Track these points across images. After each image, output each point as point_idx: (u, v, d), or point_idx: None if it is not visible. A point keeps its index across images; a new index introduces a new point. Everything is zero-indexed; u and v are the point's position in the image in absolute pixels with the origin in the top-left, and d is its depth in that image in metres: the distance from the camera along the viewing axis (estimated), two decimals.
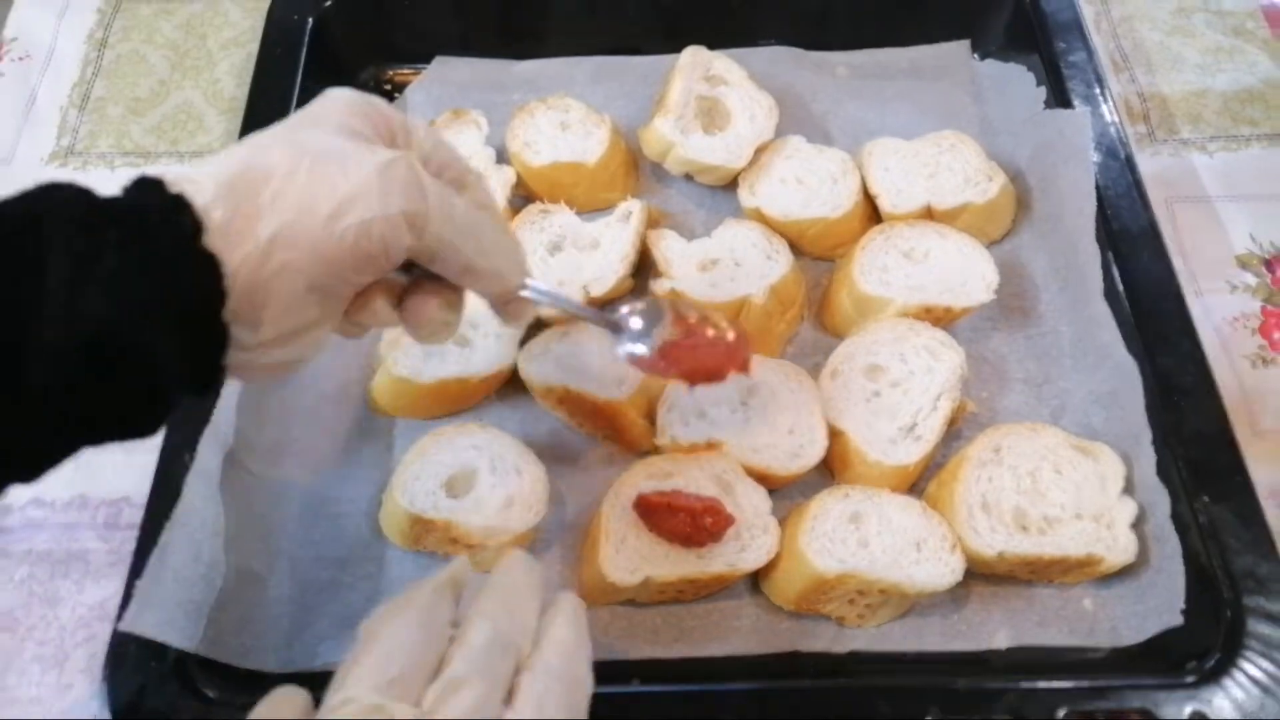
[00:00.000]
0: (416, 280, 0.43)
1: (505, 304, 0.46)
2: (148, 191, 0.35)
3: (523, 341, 0.63)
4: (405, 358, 0.62)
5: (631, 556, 0.54)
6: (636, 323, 0.53)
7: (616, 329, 0.52)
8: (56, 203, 0.34)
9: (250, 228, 0.35)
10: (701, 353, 0.53)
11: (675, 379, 0.54)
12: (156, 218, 0.34)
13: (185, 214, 0.34)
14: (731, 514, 0.54)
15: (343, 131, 0.39)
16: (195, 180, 0.36)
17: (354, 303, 0.41)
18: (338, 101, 0.40)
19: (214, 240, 0.35)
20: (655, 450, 0.61)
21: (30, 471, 0.34)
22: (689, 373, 0.53)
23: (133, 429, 0.35)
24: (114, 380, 0.33)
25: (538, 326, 0.64)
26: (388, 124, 0.41)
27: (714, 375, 0.53)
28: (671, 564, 0.53)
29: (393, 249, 0.38)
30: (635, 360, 0.52)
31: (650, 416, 0.61)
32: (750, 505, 0.56)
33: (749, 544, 0.55)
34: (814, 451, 0.58)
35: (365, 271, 0.38)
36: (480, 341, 0.63)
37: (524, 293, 0.45)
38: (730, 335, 0.54)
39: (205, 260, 0.34)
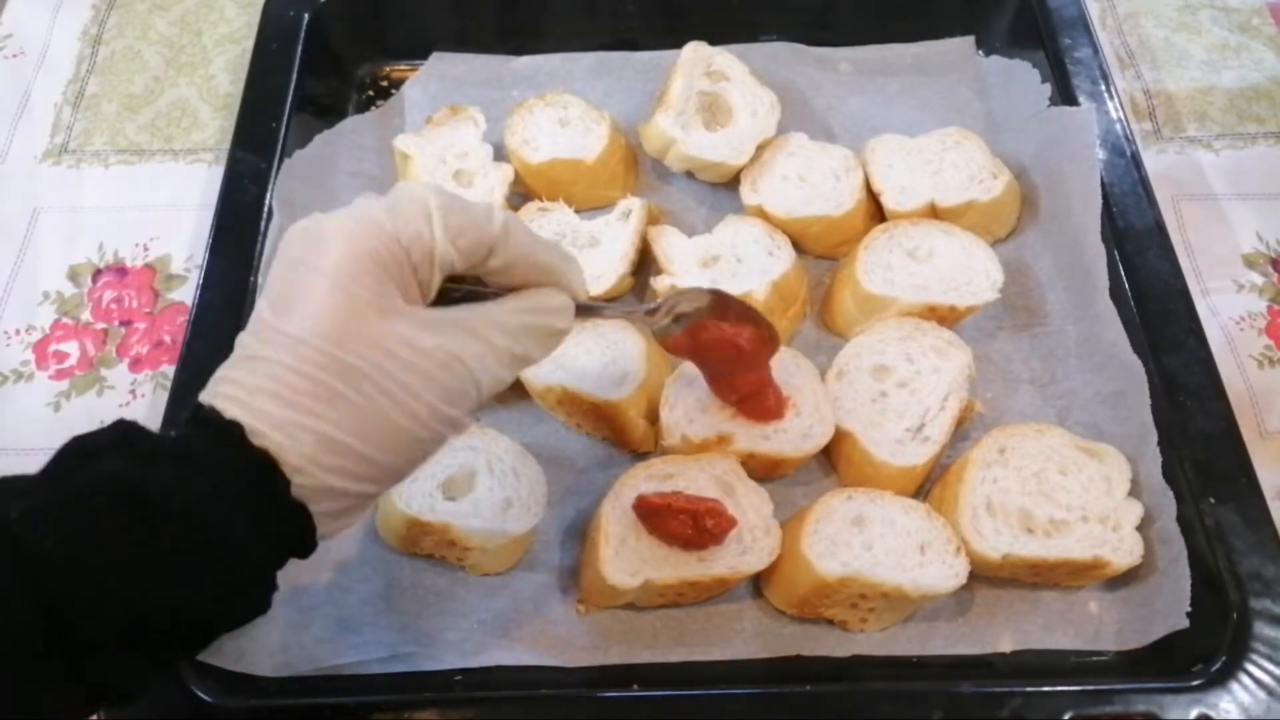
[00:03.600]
0: None
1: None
2: (232, 447, 0.36)
3: None
4: None
5: (631, 559, 0.53)
6: (673, 306, 0.52)
7: (652, 312, 0.52)
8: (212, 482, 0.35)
9: (336, 482, 0.37)
10: (728, 340, 0.52)
11: (702, 363, 0.54)
12: (255, 484, 0.36)
13: (279, 476, 0.36)
14: (733, 516, 0.53)
15: (377, 317, 0.38)
16: (274, 436, 0.36)
17: None
18: (344, 271, 0.37)
19: (303, 494, 0.37)
20: (655, 451, 0.61)
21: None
22: (712, 358, 0.53)
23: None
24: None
25: None
26: (400, 258, 0.38)
27: (739, 364, 0.53)
28: (672, 566, 0.53)
29: (455, 434, 0.41)
30: (665, 339, 0.52)
31: (650, 417, 0.60)
32: (752, 507, 0.55)
33: (750, 546, 0.54)
34: (823, 430, 0.58)
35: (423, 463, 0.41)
36: None
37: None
38: (761, 329, 0.54)
39: (298, 511, 0.37)
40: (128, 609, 0.33)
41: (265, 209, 0.67)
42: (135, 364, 0.68)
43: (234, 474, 0.36)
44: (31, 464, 0.35)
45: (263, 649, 0.53)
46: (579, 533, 0.58)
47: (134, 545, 0.33)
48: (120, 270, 0.73)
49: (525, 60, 0.79)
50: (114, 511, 0.33)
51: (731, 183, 0.70)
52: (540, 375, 0.60)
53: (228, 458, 0.36)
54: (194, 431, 0.37)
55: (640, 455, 0.61)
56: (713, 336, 0.52)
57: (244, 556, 0.36)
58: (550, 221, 0.68)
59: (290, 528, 0.37)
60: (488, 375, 0.40)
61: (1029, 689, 0.50)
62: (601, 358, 0.61)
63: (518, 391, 0.63)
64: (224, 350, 0.39)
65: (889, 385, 0.60)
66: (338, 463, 0.37)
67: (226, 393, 0.37)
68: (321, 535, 0.39)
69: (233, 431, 0.36)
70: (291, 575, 0.55)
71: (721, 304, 0.53)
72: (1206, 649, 0.51)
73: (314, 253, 0.37)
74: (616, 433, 0.61)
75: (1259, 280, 0.70)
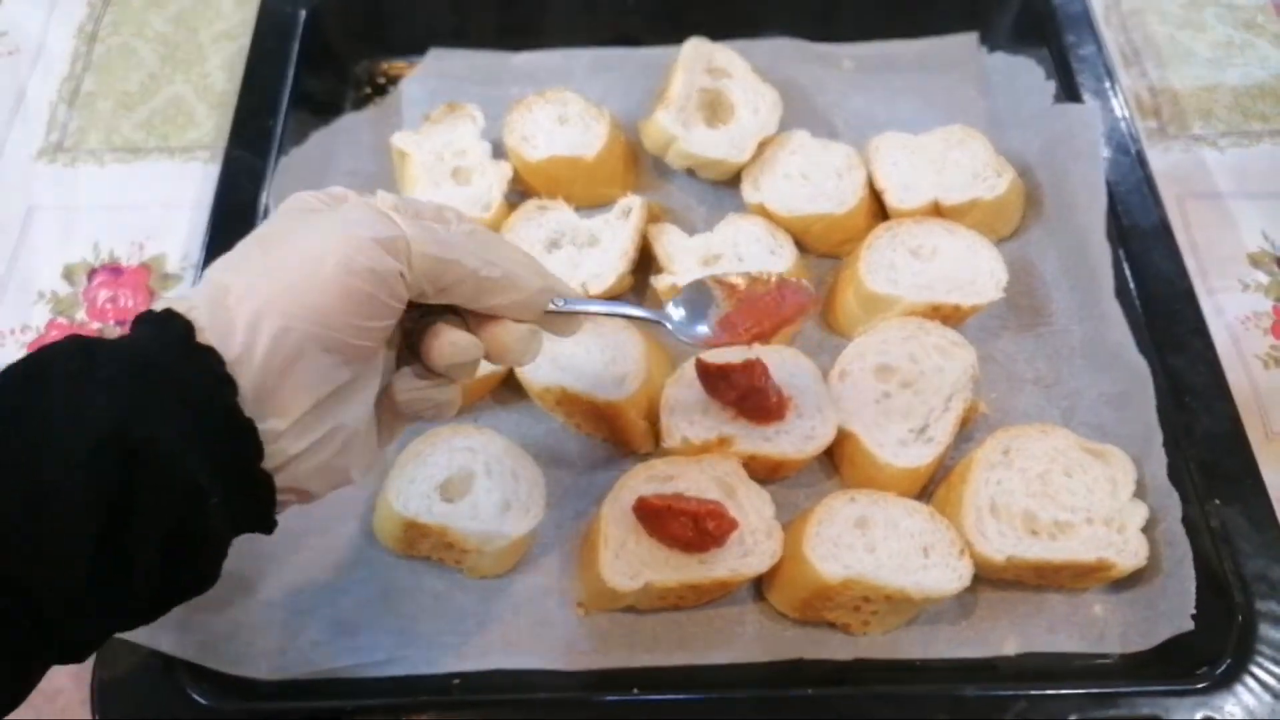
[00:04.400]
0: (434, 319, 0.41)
1: (546, 323, 0.44)
2: (186, 351, 0.35)
3: None
4: None
5: (632, 561, 0.53)
6: (684, 310, 0.52)
7: (670, 321, 0.52)
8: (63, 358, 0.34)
9: (235, 314, 0.35)
10: (761, 311, 0.53)
11: (751, 342, 0.54)
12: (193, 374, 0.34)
13: (178, 320, 0.35)
14: (734, 518, 0.53)
15: (301, 212, 0.39)
16: (181, 299, 0.36)
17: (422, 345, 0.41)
18: (289, 207, 0.40)
19: (207, 337, 0.35)
20: (656, 452, 0.60)
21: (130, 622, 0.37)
22: (759, 333, 0.53)
23: (202, 583, 0.37)
24: (186, 551, 0.35)
25: None
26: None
27: (782, 325, 0.53)
28: (673, 569, 0.52)
29: (387, 280, 0.37)
30: (704, 342, 0.52)
31: (651, 418, 0.60)
32: (753, 509, 0.55)
33: (752, 549, 0.53)
34: (825, 431, 0.57)
35: (371, 314, 0.37)
36: None
37: (555, 306, 0.44)
38: (775, 283, 0.53)
39: (204, 354, 0.34)
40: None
41: (261, 207, 0.67)
42: None
43: (174, 363, 0.34)
44: None
45: (260, 652, 0.53)
46: (578, 535, 0.58)
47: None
48: (115, 269, 0.72)
49: (524, 57, 0.78)
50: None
51: (733, 181, 0.70)
52: (540, 375, 0.60)
53: (172, 353, 0.34)
54: (140, 331, 0.35)
55: (641, 456, 0.61)
56: (744, 317, 0.53)
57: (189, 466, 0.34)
58: (549, 220, 0.67)
59: (240, 444, 0.35)
60: (418, 232, 0.39)
61: (1033, 692, 0.50)
62: (601, 358, 0.60)
63: (517, 392, 0.63)
64: None
65: (892, 385, 0.59)
66: (234, 298, 0.35)
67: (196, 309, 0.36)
68: (270, 431, 0.36)
69: (178, 328, 0.35)
70: (288, 578, 0.56)
71: (725, 285, 0.53)
72: (1212, 651, 0.51)
73: (329, 219, 0.38)
74: (616, 433, 0.60)
75: (1265, 279, 0.70)
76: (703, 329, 0.52)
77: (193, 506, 0.34)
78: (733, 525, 0.53)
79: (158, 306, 0.36)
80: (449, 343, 0.41)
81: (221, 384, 0.34)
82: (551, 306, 0.44)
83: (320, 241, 0.36)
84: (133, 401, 0.33)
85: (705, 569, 0.52)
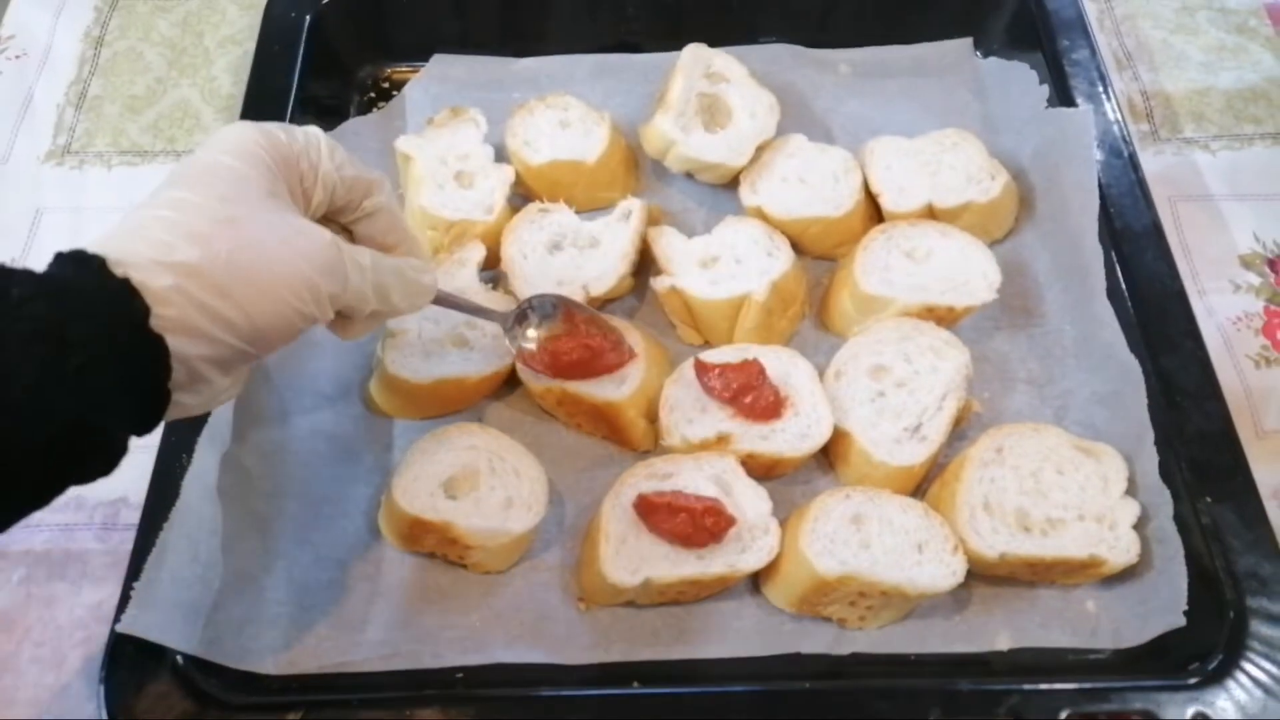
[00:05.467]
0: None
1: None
2: (93, 274, 0.36)
3: None
4: (403, 358, 0.61)
5: (632, 557, 0.53)
6: (531, 318, 0.59)
7: (505, 323, 0.58)
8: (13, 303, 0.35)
9: (200, 324, 0.38)
10: (579, 352, 0.58)
11: (554, 377, 0.59)
12: (111, 306, 0.36)
13: (136, 300, 0.37)
14: (732, 515, 0.54)
15: (263, 197, 0.41)
16: (140, 266, 0.37)
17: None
18: (245, 152, 0.42)
19: (163, 328, 0.37)
20: (655, 451, 0.61)
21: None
22: (560, 373, 0.58)
23: (86, 479, 0.38)
24: (76, 458, 0.36)
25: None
26: (293, 162, 0.44)
27: (588, 376, 0.58)
28: (672, 565, 0.53)
29: (318, 320, 0.43)
30: (518, 355, 0.59)
31: (650, 416, 0.61)
32: (750, 505, 0.56)
33: (749, 545, 0.54)
34: (821, 430, 0.58)
35: (289, 340, 0.42)
36: (479, 342, 0.63)
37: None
38: (612, 338, 0.59)
39: (156, 344, 0.37)
40: None
41: None
42: None
43: (90, 297, 0.36)
44: None
45: (265, 647, 0.54)
46: (580, 531, 0.59)
47: None
48: None
49: (526, 62, 0.79)
50: None
51: (731, 184, 0.71)
52: (541, 376, 0.61)
53: (86, 284, 0.36)
54: (54, 268, 0.37)
55: (640, 455, 0.61)
56: (565, 345, 0.58)
57: (88, 378, 0.35)
58: (551, 222, 0.68)
59: (143, 367, 0.37)
60: (358, 278, 0.44)
61: (1026, 687, 0.51)
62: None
63: (519, 392, 0.63)
64: None
65: (887, 385, 0.60)
66: (203, 299, 0.38)
67: (97, 240, 0.38)
68: (178, 399, 0.39)
69: (92, 264, 0.37)
70: (294, 574, 0.56)
71: (569, 311, 0.59)
72: (1203, 647, 0.51)
73: (215, 143, 0.42)
74: (616, 432, 0.61)
75: (1255, 281, 0.71)
76: (526, 343, 0.58)
77: (108, 458, 0.37)
78: (731, 522, 0.54)
79: (114, 262, 0.37)
80: (362, 327, 0.49)
81: (162, 373, 0.38)
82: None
83: (284, 280, 0.40)
84: (91, 399, 0.35)
85: (704, 564, 0.53)
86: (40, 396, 0.34)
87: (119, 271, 0.37)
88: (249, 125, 0.43)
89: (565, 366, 0.58)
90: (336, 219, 0.48)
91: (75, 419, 0.35)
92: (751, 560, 0.54)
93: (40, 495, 0.37)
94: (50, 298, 0.35)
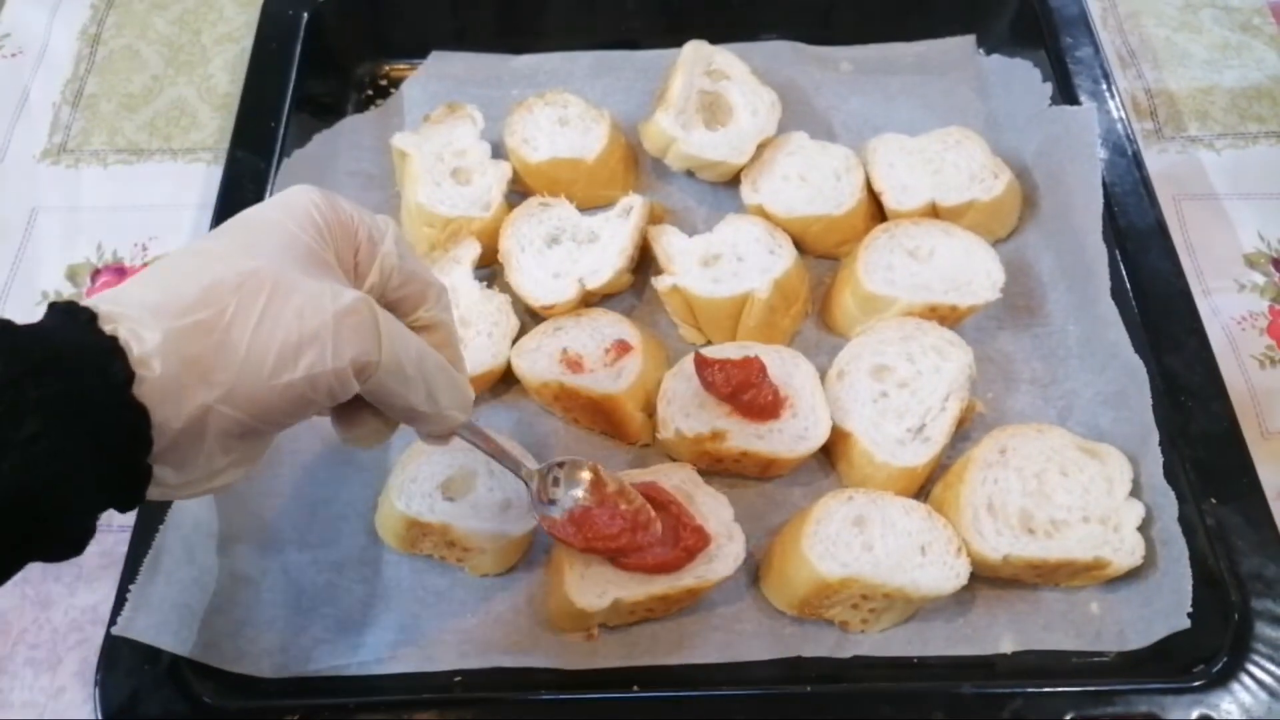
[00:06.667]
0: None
1: (432, 435, 0.44)
2: (79, 329, 0.32)
3: (515, 339, 0.63)
4: None
5: (597, 580, 0.52)
6: (557, 486, 0.52)
7: (531, 483, 0.51)
8: None
9: (191, 389, 0.33)
10: (608, 527, 0.51)
11: (582, 549, 0.51)
12: (86, 366, 0.31)
13: (118, 359, 0.32)
14: (708, 532, 0.52)
15: (301, 257, 0.36)
16: (132, 318, 0.33)
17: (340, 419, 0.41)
18: (297, 210, 0.38)
19: (147, 393, 0.32)
20: (653, 444, 0.60)
21: None
22: (592, 545, 0.51)
23: (54, 558, 0.34)
24: (25, 538, 0.32)
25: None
26: (350, 233, 0.39)
27: (616, 553, 0.51)
28: (639, 583, 0.52)
29: (337, 396, 0.36)
30: (544, 521, 0.51)
31: (648, 410, 0.60)
32: (713, 514, 0.55)
33: (715, 554, 0.53)
34: (819, 432, 0.57)
35: (300, 416, 0.37)
36: (472, 340, 0.62)
37: (460, 434, 0.45)
38: (634, 509, 0.52)
39: (135, 412, 0.32)
40: None
41: None
42: None
43: (70, 354, 0.31)
44: None
45: (262, 650, 0.53)
46: None
47: None
48: (119, 270, 0.73)
49: (525, 59, 0.79)
50: None
51: (732, 182, 0.70)
52: (536, 371, 0.60)
53: (67, 340, 0.32)
54: (44, 319, 0.33)
55: (640, 447, 0.61)
56: (593, 528, 0.51)
57: (54, 445, 0.30)
58: (551, 216, 0.68)
59: (118, 437, 0.32)
60: (397, 351, 0.37)
61: (1030, 690, 0.50)
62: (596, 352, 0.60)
63: (515, 389, 0.63)
64: None
65: (889, 385, 0.60)
66: (197, 356, 0.33)
67: (115, 290, 0.34)
68: (161, 477, 0.34)
69: (80, 318, 0.32)
70: (291, 576, 0.56)
71: (598, 483, 0.52)
72: (1208, 649, 0.51)
73: (273, 198, 0.39)
74: (614, 426, 0.61)
75: (1260, 280, 0.70)
76: (555, 511, 0.51)
77: (76, 538, 0.33)
78: (705, 540, 0.52)
79: (104, 316, 0.33)
80: (373, 431, 0.42)
81: (141, 446, 0.33)
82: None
83: (302, 338, 0.34)
84: (52, 472, 0.31)
85: (672, 579, 0.52)
86: None
87: (108, 328, 0.32)
88: (311, 187, 0.39)
89: (600, 540, 0.51)
90: None
91: (21, 493, 0.30)
92: (719, 569, 0.53)
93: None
94: (9, 354, 0.30)
